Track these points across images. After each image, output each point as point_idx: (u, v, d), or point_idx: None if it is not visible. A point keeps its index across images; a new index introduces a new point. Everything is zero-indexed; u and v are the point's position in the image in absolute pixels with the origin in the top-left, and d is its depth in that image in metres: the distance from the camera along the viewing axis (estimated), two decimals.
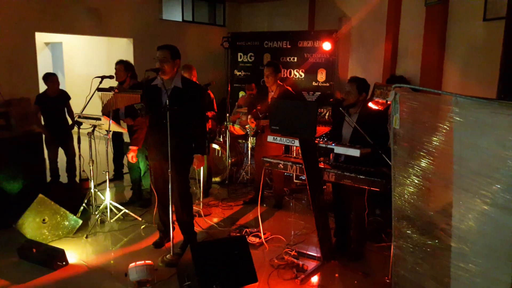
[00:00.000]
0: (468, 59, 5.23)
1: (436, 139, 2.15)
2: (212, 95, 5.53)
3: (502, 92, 3.52)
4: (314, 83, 7.64)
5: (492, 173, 1.86)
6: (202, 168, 5.01)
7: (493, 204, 1.87)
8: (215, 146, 6.22)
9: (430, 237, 2.29)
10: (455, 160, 2.03)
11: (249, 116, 5.24)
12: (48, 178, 5.70)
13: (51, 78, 5.69)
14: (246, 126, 6.28)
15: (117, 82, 5.30)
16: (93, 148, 4.63)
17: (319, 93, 7.60)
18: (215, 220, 4.91)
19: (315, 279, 3.64)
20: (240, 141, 6.67)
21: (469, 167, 1.97)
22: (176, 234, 4.01)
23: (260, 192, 4.50)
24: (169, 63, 3.72)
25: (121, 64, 5.17)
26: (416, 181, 2.35)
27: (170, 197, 3.69)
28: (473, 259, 1.99)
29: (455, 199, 2.06)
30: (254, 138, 5.78)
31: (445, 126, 2.07)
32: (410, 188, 2.41)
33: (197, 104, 3.89)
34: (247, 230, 4.44)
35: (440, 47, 5.56)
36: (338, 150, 3.61)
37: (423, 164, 2.28)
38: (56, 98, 5.72)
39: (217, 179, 6.28)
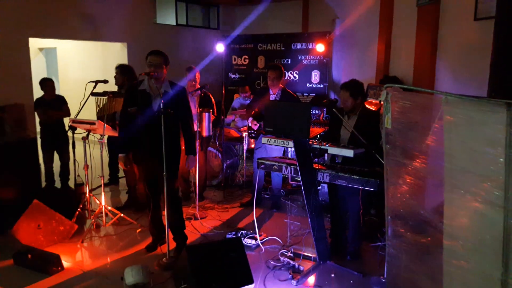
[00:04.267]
0: (460, 59, 5.26)
1: (428, 138, 2.17)
2: (213, 100, 5.53)
3: (493, 91, 3.54)
4: (308, 85, 7.67)
5: (482, 170, 1.87)
6: (197, 170, 5.03)
7: (483, 201, 1.88)
8: (210, 149, 6.22)
9: (423, 235, 2.30)
10: (446, 159, 2.05)
11: (250, 119, 5.24)
12: (43, 184, 5.69)
13: (47, 83, 5.75)
14: (242, 128, 6.29)
15: (115, 86, 5.33)
16: (88, 153, 4.63)
17: (314, 94, 7.63)
18: (211, 222, 4.91)
19: (311, 279, 3.65)
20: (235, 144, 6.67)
21: (459, 165, 1.98)
22: (171, 237, 4.01)
23: (255, 194, 4.52)
24: (161, 69, 3.77)
25: (117, 69, 5.20)
26: (409, 180, 2.37)
27: (166, 199, 3.70)
28: (465, 256, 2.00)
29: (446, 197, 2.07)
30: (252, 140, 5.80)
31: (436, 125, 2.09)
32: (403, 187, 2.42)
33: (185, 106, 3.98)
34: (243, 232, 4.44)
35: (433, 47, 5.58)
36: (332, 150, 3.63)
37: (415, 163, 2.30)
38: (53, 103, 5.74)
39: (213, 182, 6.28)
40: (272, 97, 5.08)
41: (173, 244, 4.03)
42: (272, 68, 5.07)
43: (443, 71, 5.54)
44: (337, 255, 4.00)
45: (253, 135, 5.36)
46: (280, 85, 5.09)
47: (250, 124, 5.28)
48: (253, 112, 5.26)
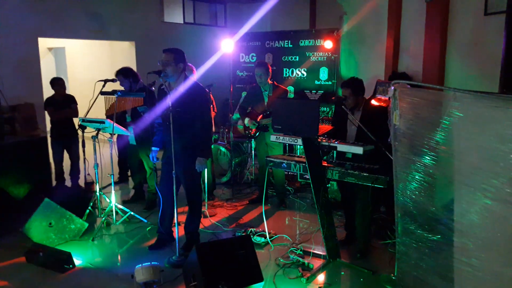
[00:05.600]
0: (470, 54, 5.21)
1: (437, 134, 2.15)
2: (212, 97, 5.53)
3: (504, 86, 3.51)
4: (316, 82, 7.64)
5: (492, 167, 1.86)
6: (206, 169, 5.04)
7: (494, 198, 1.87)
8: (219, 147, 6.24)
9: (433, 232, 2.29)
10: (455, 155, 2.03)
11: (246, 119, 5.25)
12: (54, 182, 5.75)
13: (57, 82, 5.80)
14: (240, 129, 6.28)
15: (118, 86, 5.34)
16: (97, 152, 4.66)
17: (322, 91, 7.60)
18: (220, 220, 4.92)
19: (321, 277, 3.64)
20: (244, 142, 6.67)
21: (469, 161, 1.97)
22: (180, 235, 4.02)
23: (264, 191, 4.52)
24: (171, 66, 3.74)
25: (120, 74, 5.17)
26: (418, 177, 2.35)
27: (174, 198, 3.72)
28: (475, 253, 1.99)
29: (456, 194, 2.06)
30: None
31: (445, 121, 2.07)
32: (412, 184, 2.41)
33: (200, 106, 3.88)
34: (252, 229, 4.45)
35: (442, 42, 5.54)
36: (341, 148, 3.61)
37: (424, 160, 2.28)
38: (63, 102, 5.79)
39: (224, 179, 6.29)
40: (265, 94, 5.11)
41: (182, 242, 4.06)
42: (257, 65, 5.14)
43: (453, 67, 5.49)
44: (349, 249, 4.01)
45: (250, 135, 5.36)
46: (269, 80, 5.11)
47: (248, 124, 5.27)
48: (247, 111, 5.28)
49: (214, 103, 5.57)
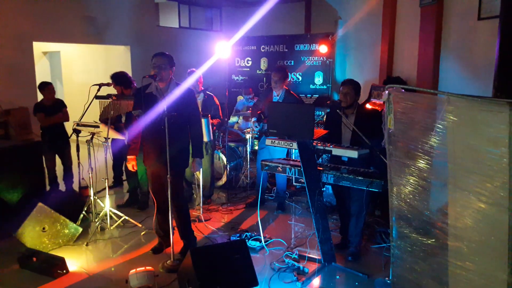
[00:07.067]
0: (464, 58, 5.23)
1: (431, 138, 2.16)
2: (217, 102, 5.51)
3: (498, 90, 3.53)
4: (311, 86, 7.67)
5: (486, 171, 1.86)
6: (202, 172, 5.04)
7: (488, 201, 1.87)
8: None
9: (427, 236, 2.29)
10: (449, 159, 2.04)
11: (252, 120, 5.25)
12: (48, 187, 5.71)
13: (46, 87, 5.72)
14: (245, 130, 6.29)
15: (114, 90, 5.32)
16: (92, 156, 4.64)
17: (317, 95, 7.62)
18: (215, 224, 4.91)
19: (316, 281, 3.64)
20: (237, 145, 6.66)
21: (463, 165, 1.97)
22: (176, 240, 4.00)
23: (259, 195, 4.51)
24: (166, 71, 3.76)
25: (112, 80, 5.16)
26: (412, 181, 2.36)
27: (170, 202, 3.70)
28: (469, 257, 2.00)
29: (450, 197, 2.07)
30: (254, 141, 5.78)
31: (439, 125, 2.08)
32: (407, 188, 2.41)
33: (193, 108, 3.95)
34: (247, 234, 4.44)
35: (436, 47, 5.56)
36: (336, 152, 3.62)
37: (418, 164, 2.29)
38: (53, 107, 5.73)
39: (220, 183, 6.27)
40: (275, 98, 5.09)
41: (177, 247, 4.04)
42: (276, 70, 5.11)
43: (447, 71, 5.52)
44: (344, 253, 4.02)
45: (256, 136, 5.36)
46: (285, 86, 5.10)
47: (252, 126, 5.29)
48: (258, 112, 5.27)
49: (219, 108, 5.53)
